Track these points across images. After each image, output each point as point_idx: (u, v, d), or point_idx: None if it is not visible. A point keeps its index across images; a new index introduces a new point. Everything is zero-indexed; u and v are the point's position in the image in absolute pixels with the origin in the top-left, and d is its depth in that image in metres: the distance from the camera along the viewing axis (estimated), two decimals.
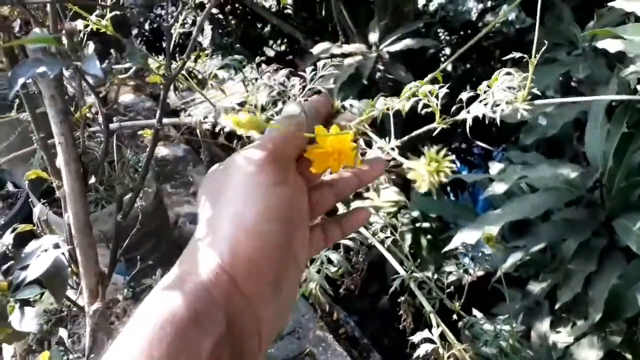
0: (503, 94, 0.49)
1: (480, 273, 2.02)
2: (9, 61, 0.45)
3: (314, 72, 0.75)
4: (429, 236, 2.27)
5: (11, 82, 0.34)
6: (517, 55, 0.49)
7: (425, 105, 0.62)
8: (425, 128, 0.68)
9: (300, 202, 0.38)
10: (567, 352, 1.38)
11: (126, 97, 2.64)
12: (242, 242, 0.33)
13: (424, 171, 0.32)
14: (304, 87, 0.77)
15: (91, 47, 0.38)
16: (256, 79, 0.96)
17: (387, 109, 0.74)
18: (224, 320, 0.32)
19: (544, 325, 1.46)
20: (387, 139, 0.75)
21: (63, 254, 0.50)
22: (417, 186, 0.32)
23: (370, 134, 0.42)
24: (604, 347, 1.32)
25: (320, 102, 0.43)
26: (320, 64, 0.77)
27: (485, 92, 0.55)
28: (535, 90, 0.52)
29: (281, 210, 0.35)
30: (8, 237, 0.51)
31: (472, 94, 0.56)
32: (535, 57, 0.46)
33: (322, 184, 0.42)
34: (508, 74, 0.50)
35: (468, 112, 0.58)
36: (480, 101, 0.57)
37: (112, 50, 0.40)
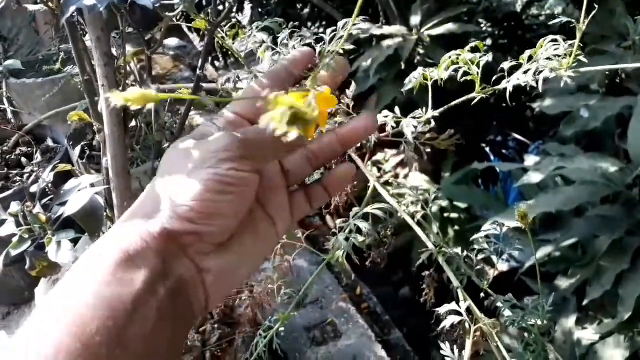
0: (547, 62, 0.48)
1: (506, 268, 2.00)
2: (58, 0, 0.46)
3: (334, 34, 0.74)
4: (456, 227, 2.25)
5: (63, 10, 0.35)
6: (564, 20, 0.47)
7: (465, 74, 0.61)
8: (464, 98, 0.67)
9: (269, 172, 0.38)
10: (591, 350, 1.35)
11: (165, 65, 2.69)
12: (185, 202, 0.34)
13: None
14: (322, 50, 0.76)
15: None
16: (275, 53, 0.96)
17: (425, 79, 0.73)
18: (157, 259, 0.33)
19: (569, 321, 1.43)
20: (423, 110, 0.75)
21: (98, 194, 0.52)
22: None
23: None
24: (631, 348, 1.28)
25: (295, 61, 0.41)
26: (340, 24, 0.75)
27: (527, 61, 0.54)
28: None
29: (236, 188, 0.34)
30: (49, 175, 0.53)
31: (514, 63, 0.55)
32: (584, 21, 0.44)
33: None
34: (553, 41, 0.49)
35: (508, 82, 0.57)
36: (525, 72, 0.56)
37: None
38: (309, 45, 0.79)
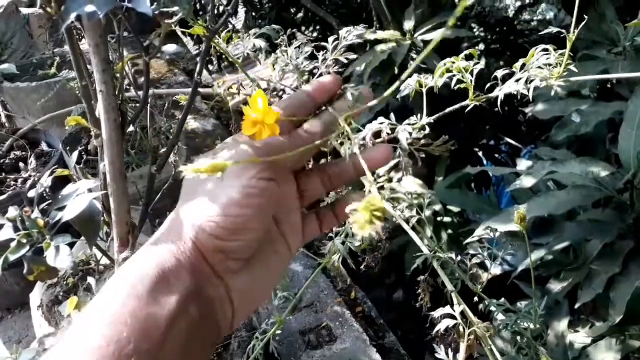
0: (537, 71, 0.49)
1: (500, 271, 2.00)
2: (57, 4, 0.47)
3: (336, 42, 0.75)
4: (449, 230, 2.26)
5: (64, 16, 0.36)
6: (555, 30, 0.48)
7: (459, 81, 0.62)
8: (457, 105, 0.68)
9: (286, 191, 0.39)
10: (583, 353, 1.36)
11: (159, 69, 2.69)
12: (211, 219, 0.35)
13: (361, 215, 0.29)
14: (325, 59, 0.77)
15: None
16: (286, 64, 0.96)
17: (420, 86, 0.74)
18: (190, 279, 0.34)
19: (561, 324, 1.44)
20: (418, 116, 0.75)
21: (96, 198, 0.52)
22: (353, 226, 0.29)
23: (349, 131, 0.39)
24: (622, 350, 1.30)
25: (321, 87, 0.42)
26: (342, 32, 0.76)
27: (520, 69, 0.54)
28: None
29: (259, 199, 0.36)
30: (47, 180, 0.54)
31: (507, 71, 0.56)
32: (573, 32, 0.45)
33: (312, 171, 0.43)
34: (544, 50, 0.50)
35: (501, 89, 0.58)
36: (516, 80, 0.57)
37: None
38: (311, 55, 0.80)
